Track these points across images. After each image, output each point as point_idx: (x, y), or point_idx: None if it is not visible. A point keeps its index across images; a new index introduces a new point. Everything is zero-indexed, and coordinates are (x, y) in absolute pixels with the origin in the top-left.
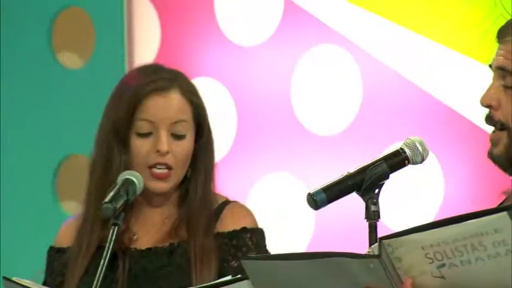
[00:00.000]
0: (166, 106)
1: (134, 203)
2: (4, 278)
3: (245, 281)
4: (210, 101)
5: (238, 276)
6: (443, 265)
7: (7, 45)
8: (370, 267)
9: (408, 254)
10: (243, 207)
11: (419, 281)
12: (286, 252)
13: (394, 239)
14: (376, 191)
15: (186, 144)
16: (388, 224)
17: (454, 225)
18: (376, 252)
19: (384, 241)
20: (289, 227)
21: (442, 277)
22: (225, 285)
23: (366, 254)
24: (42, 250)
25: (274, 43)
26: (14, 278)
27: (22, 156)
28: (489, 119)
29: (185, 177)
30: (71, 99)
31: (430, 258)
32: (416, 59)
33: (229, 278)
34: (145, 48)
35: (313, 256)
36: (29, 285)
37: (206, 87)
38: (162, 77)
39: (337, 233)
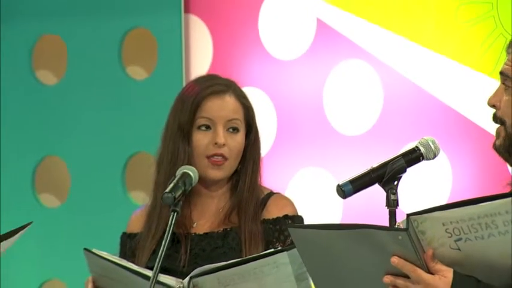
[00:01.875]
0: (223, 106)
1: (194, 194)
2: (85, 249)
3: (284, 253)
4: (254, 106)
5: (278, 248)
6: (460, 239)
7: (83, 60)
8: (399, 238)
9: (431, 229)
10: (285, 198)
11: (439, 251)
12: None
13: (419, 215)
14: (395, 182)
15: (239, 139)
16: (406, 211)
17: (471, 206)
18: (404, 226)
19: (411, 217)
20: (322, 214)
21: (458, 249)
22: (267, 257)
23: (395, 227)
24: (114, 236)
25: (309, 57)
26: (93, 250)
27: (97, 153)
28: (493, 117)
29: (236, 170)
30: (137, 105)
31: (449, 232)
32: (429, 71)
33: (270, 250)
34: (200, 63)
35: (351, 227)
36: (106, 256)
37: (251, 96)
38: (219, 83)
39: (361, 219)
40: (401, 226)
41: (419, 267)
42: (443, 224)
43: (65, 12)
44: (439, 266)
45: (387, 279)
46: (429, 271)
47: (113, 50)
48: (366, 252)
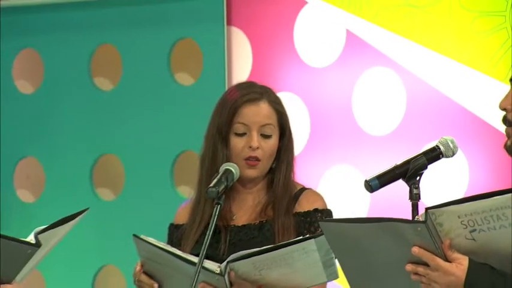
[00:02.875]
0: (257, 112)
1: (233, 190)
2: (134, 235)
3: (312, 240)
4: (289, 110)
5: (306, 236)
6: (474, 230)
7: (136, 68)
8: (418, 230)
9: (447, 221)
10: (316, 193)
11: (455, 241)
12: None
13: (437, 209)
14: (418, 178)
15: (272, 142)
16: (427, 204)
17: (483, 200)
18: (423, 219)
19: (429, 210)
20: (350, 207)
21: (473, 239)
22: (297, 243)
23: (415, 220)
24: (163, 226)
25: (339, 65)
26: (141, 236)
27: (148, 152)
28: (504, 120)
29: (271, 168)
30: (184, 108)
31: (464, 224)
32: (448, 76)
33: (299, 238)
34: (241, 70)
35: (376, 220)
36: (153, 242)
37: (286, 100)
38: (254, 91)
39: (386, 212)
40: (421, 219)
41: (437, 256)
42: (459, 217)
43: (120, 25)
44: (456, 255)
45: (409, 267)
46: (447, 259)
47: (162, 58)
48: (389, 243)
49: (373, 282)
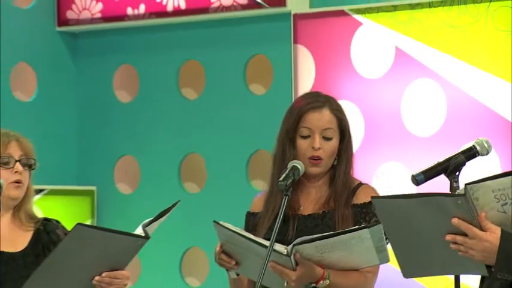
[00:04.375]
0: (319, 118)
1: (301, 184)
2: (214, 221)
3: (366, 229)
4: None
5: (362, 226)
6: (506, 203)
7: (217, 79)
8: (458, 203)
9: (483, 196)
10: (371, 187)
11: (489, 214)
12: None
13: (474, 184)
14: (457, 173)
15: (332, 144)
16: None
17: None
18: (462, 192)
19: (468, 185)
20: None
21: (504, 212)
22: (353, 232)
23: (456, 193)
24: (239, 214)
25: (389, 76)
26: (220, 222)
27: (227, 151)
28: None
29: (333, 165)
30: (257, 114)
31: (497, 198)
32: (483, 86)
33: (356, 227)
34: (305, 81)
35: (421, 196)
36: (230, 227)
37: (344, 107)
38: (318, 100)
39: None
40: (461, 193)
41: (474, 226)
42: (493, 191)
43: (203, 43)
44: (490, 225)
45: (449, 237)
46: (482, 229)
47: (239, 71)
48: (432, 216)
49: (416, 252)
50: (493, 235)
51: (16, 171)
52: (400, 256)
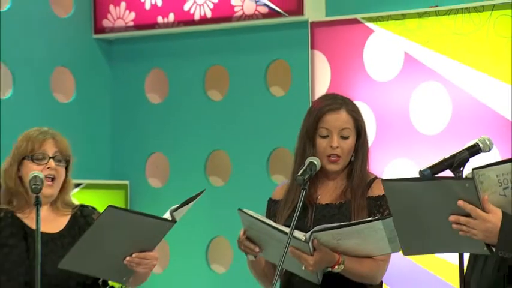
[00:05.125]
0: (337, 119)
1: (319, 177)
2: (239, 209)
3: (379, 221)
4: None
5: (376, 217)
6: (507, 187)
7: (240, 82)
8: (466, 186)
9: (487, 180)
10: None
11: (491, 197)
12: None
13: (480, 169)
14: (461, 168)
15: (349, 143)
16: None
17: None
18: (470, 176)
19: (475, 170)
20: None
21: (505, 195)
22: (367, 223)
23: (464, 177)
24: (260, 204)
25: (399, 79)
26: (244, 209)
27: (249, 148)
28: None
29: (350, 161)
30: (277, 114)
31: (500, 182)
32: (485, 88)
33: (370, 218)
34: (321, 84)
35: (430, 179)
36: (252, 214)
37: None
38: (335, 102)
39: None
40: (469, 177)
41: (477, 207)
42: (497, 176)
43: (227, 49)
44: (492, 207)
45: (452, 218)
46: (484, 211)
47: (260, 75)
48: (439, 198)
49: (418, 232)
50: (495, 216)
51: (49, 167)
52: (402, 235)
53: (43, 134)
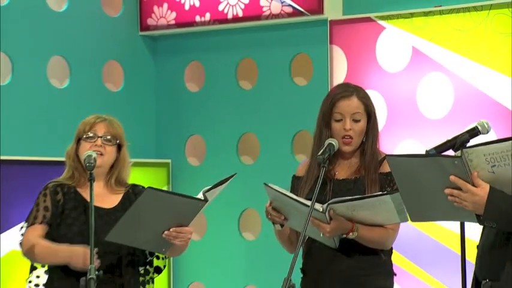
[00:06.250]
0: (349, 105)
1: (336, 156)
2: (264, 183)
3: (388, 196)
4: (374, 103)
5: (385, 192)
6: (494, 165)
7: (268, 73)
8: (455, 163)
9: (476, 158)
10: None
11: (481, 173)
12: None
13: (469, 149)
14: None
15: (360, 125)
16: None
17: (502, 143)
18: (458, 155)
19: (464, 150)
20: None
21: (493, 172)
22: (378, 197)
23: (453, 156)
24: (285, 180)
25: (407, 70)
26: (269, 184)
27: (275, 130)
28: None
29: (362, 142)
30: (300, 101)
31: (487, 161)
32: (484, 78)
33: (379, 193)
34: (339, 74)
35: (426, 156)
36: (277, 188)
37: (370, 95)
38: (347, 90)
39: None
40: (458, 155)
41: (468, 182)
42: (484, 155)
43: (256, 44)
44: (481, 182)
45: (447, 191)
46: (474, 185)
47: (285, 67)
48: (435, 173)
49: (421, 201)
50: (483, 190)
51: (96, 144)
52: (409, 204)
53: (96, 118)
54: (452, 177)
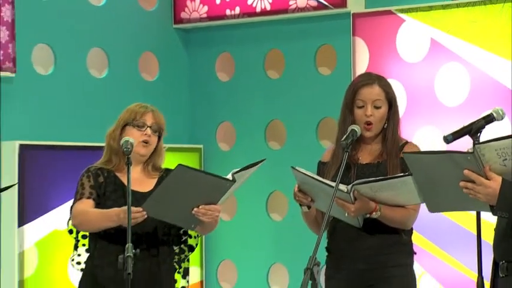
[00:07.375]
0: (371, 92)
1: (360, 142)
2: (291, 167)
3: (409, 177)
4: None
5: (406, 173)
6: (506, 159)
7: (294, 63)
8: (468, 158)
9: (488, 152)
10: (414, 145)
11: (493, 167)
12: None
13: (481, 144)
14: (478, 134)
15: (381, 111)
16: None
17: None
18: (471, 152)
19: (476, 145)
20: None
21: (505, 165)
22: (399, 178)
23: (466, 151)
24: (310, 164)
25: (426, 60)
26: (297, 167)
27: (301, 118)
28: None
29: (383, 128)
30: (324, 89)
31: (499, 155)
32: (498, 67)
33: (401, 174)
34: (361, 65)
35: (441, 152)
36: (303, 171)
37: (391, 83)
38: (369, 78)
39: None
40: (470, 151)
41: (480, 175)
42: (495, 150)
43: (283, 36)
44: (493, 175)
45: (462, 183)
46: (487, 178)
47: (310, 57)
48: (450, 168)
49: (438, 194)
50: (495, 182)
51: (145, 134)
52: (426, 197)
53: (144, 108)
54: (466, 171)
